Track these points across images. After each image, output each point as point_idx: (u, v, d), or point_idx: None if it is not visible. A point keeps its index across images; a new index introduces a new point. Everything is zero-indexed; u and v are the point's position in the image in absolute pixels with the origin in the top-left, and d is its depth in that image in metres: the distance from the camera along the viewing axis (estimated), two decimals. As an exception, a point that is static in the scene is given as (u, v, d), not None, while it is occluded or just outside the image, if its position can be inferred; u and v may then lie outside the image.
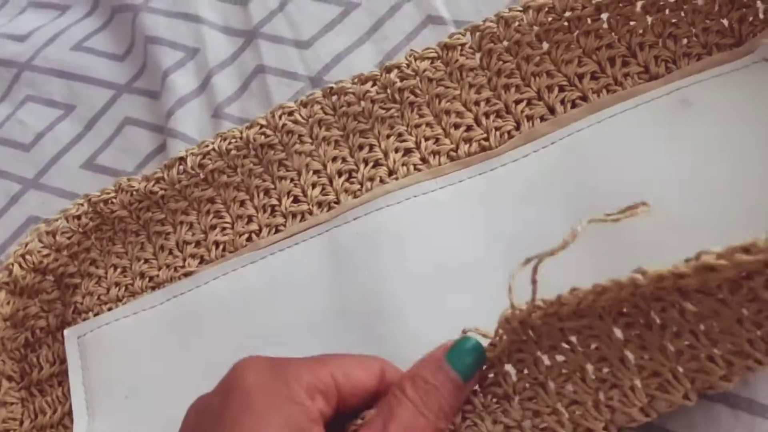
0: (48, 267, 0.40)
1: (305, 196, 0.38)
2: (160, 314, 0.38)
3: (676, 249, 0.29)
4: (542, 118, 0.35)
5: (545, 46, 0.36)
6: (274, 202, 0.38)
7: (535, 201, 0.34)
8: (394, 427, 0.26)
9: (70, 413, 0.37)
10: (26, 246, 0.40)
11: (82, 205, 0.40)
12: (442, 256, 0.34)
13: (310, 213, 0.38)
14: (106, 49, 0.50)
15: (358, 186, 0.37)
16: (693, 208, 0.31)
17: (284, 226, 0.38)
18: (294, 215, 0.38)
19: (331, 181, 0.38)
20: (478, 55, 0.37)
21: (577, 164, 0.34)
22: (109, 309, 0.39)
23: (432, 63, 0.37)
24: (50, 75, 0.51)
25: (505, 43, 0.37)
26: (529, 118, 0.36)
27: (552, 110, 0.35)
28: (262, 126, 0.39)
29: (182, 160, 0.39)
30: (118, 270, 0.40)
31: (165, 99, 0.46)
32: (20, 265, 0.39)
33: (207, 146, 0.39)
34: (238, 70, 0.45)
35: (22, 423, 0.38)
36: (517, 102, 0.36)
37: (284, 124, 0.38)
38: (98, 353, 0.38)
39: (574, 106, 0.35)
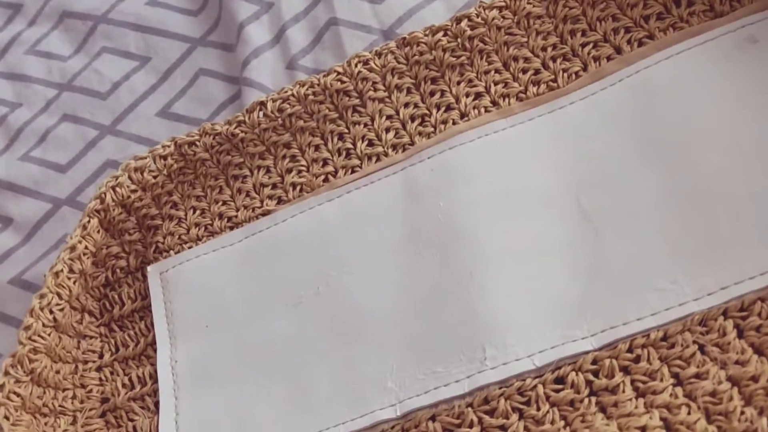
0: (133, 205, 0.42)
1: (379, 139, 0.40)
2: (240, 250, 0.40)
3: (746, 181, 0.32)
4: (609, 58, 0.37)
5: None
6: (349, 145, 0.40)
7: (603, 137, 0.35)
8: None
9: (152, 344, 0.40)
10: (117, 179, 0.42)
11: (168, 146, 0.43)
12: (513, 187, 0.36)
13: (386, 155, 0.40)
14: (181, 4, 0.52)
15: (432, 129, 0.39)
16: (758, 140, 0.32)
17: (360, 167, 0.40)
18: (369, 157, 0.40)
19: (404, 125, 0.40)
20: (544, 3, 0.39)
21: (644, 101, 0.35)
22: (190, 248, 0.41)
23: (500, 12, 0.39)
24: (126, 28, 0.53)
25: (572, -11, 0.38)
26: (596, 59, 0.37)
27: (619, 50, 0.37)
28: (338, 73, 0.41)
29: (263, 104, 0.41)
30: (198, 212, 0.42)
31: (240, 50, 0.48)
32: (111, 197, 0.42)
33: (286, 92, 0.41)
34: (311, 23, 0.47)
35: (102, 356, 0.41)
36: (584, 45, 0.38)
37: (359, 72, 0.41)
38: (180, 287, 0.41)
39: (640, 44, 0.37)
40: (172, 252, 0.42)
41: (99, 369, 0.40)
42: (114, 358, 0.40)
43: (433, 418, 0.32)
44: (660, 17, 0.37)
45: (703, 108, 0.34)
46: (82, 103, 0.51)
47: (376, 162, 0.40)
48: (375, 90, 0.41)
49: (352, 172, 0.40)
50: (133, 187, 0.42)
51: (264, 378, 0.37)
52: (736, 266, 0.30)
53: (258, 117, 0.41)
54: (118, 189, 0.42)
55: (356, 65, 0.41)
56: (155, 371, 0.39)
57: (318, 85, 0.41)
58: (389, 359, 0.34)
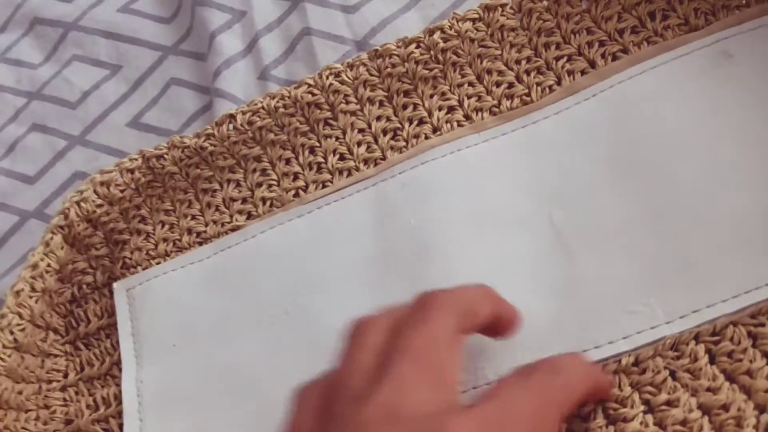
0: (99, 220, 0.42)
1: (351, 153, 0.39)
2: (208, 267, 0.40)
3: (719, 201, 0.31)
4: (583, 72, 0.36)
5: (584, 4, 0.37)
6: (320, 159, 0.40)
7: (576, 153, 0.35)
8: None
9: (118, 363, 0.39)
10: (82, 194, 0.41)
11: (135, 159, 0.42)
12: (485, 204, 0.35)
13: (357, 169, 0.39)
14: (153, 12, 0.52)
15: (404, 143, 0.39)
16: (733, 157, 0.32)
17: (331, 182, 0.39)
18: (341, 172, 0.39)
19: (376, 139, 0.39)
20: (518, 16, 0.38)
21: (618, 115, 0.35)
22: (158, 263, 0.41)
23: (474, 24, 0.39)
24: (97, 35, 0.52)
25: (545, 2, 0.38)
26: (570, 72, 0.37)
27: (593, 64, 0.36)
28: (309, 85, 0.40)
29: (232, 117, 0.41)
30: (166, 226, 0.41)
31: (212, 60, 0.47)
32: (76, 212, 0.41)
33: (256, 104, 0.40)
34: (284, 32, 0.46)
35: (66, 375, 0.40)
36: (558, 58, 0.37)
37: (331, 84, 0.40)
38: (147, 305, 0.40)
39: (614, 58, 0.36)
40: (139, 268, 0.41)
41: (63, 389, 0.39)
42: (79, 377, 0.39)
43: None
44: (634, 31, 0.36)
45: (677, 124, 0.33)
46: (51, 112, 0.51)
47: (347, 177, 0.39)
48: (347, 103, 0.40)
49: (323, 186, 0.39)
50: (99, 201, 0.41)
51: (232, 400, 0.36)
52: (709, 288, 0.30)
53: (227, 130, 0.41)
54: (83, 204, 0.41)
55: (328, 77, 0.40)
56: (121, 392, 0.38)
57: (289, 97, 0.40)
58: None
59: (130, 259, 0.41)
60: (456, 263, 0.34)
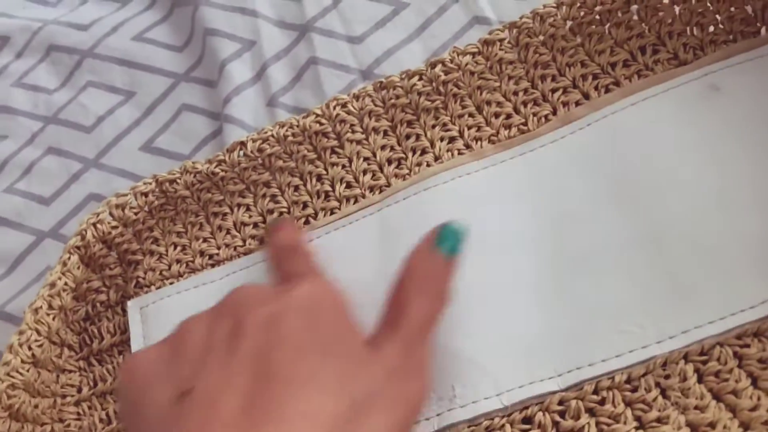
0: (114, 241, 0.43)
1: (357, 181, 0.41)
2: (221, 289, 0.39)
3: (707, 227, 0.33)
4: (577, 104, 0.38)
5: (579, 38, 0.39)
6: (328, 188, 0.41)
7: (572, 179, 0.36)
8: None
9: None
10: (98, 216, 0.43)
11: (149, 183, 0.43)
12: (485, 228, 0.36)
13: (363, 197, 0.40)
14: (166, 40, 0.54)
15: (407, 171, 0.40)
16: (719, 185, 0.33)
17: (339, 209, 0.41)
18: (347, 199, 0.41)
19: (381, 168, 0.41)
20: (516, 49, 0.40)
21: (612, 143, 0.36)
22: (171, 284, 0.42)
23: (473, 57, 0.40)
24: (112, 63, 0.54)
25: (541, 37, 0.40)
26: (565, 104, 0.38)
27: (587, 96, 0.38)
28: (317, 115, 0.42)
29: (243, 144, 0.42)
30: (179, 248, 0.43)
31: (222, 87, 0.49)
32: (92, 233, 0.42)
33: (266, 132, 0.42)
34: (291, 61, 0.49)
35: (80, 390, 0.41)
36: (554, 90, 0.39)
37: (337, 114, 0.42)
38: (160, 322, 0.41)
39: (607, 91, 0.38)
40: (152, 287, 0.42)
41: (77, 403, 0.41)
42: (92, 392, 0.41)
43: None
44: (626, 64, 0.38)
45: (667, 153, 0.35)
46: (66, 136, 0.52)
47: (354, 204, 0.40)
48: (353, 132, 0.42)
49: (331, 213, 0.41)
50: (114, 223, 0.43)
51: None
52: (697, 310, 0.31)
53: (238, 156, 0.42)
54: (98, 225, 0.43)
55: (335, 108, 0.42)
56: None
57: (297, 126, 0.42)
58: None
59: (144, 278, 0.42)
60: (457, 284, 0.35)
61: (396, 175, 0.40)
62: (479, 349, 0.34)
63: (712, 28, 0.37)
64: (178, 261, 0.43)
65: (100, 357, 0.42)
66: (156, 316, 0.41)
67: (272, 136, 0.42)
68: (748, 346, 0.30)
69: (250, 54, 0.50)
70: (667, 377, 0.31)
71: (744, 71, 0.35)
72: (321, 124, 0.42)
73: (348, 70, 0.47)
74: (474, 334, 0.34)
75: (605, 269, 0.34)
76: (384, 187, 0.40)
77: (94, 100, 0.53)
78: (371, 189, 0.40)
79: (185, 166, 0.43)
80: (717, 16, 0.37)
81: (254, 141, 0.42)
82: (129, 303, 0.42)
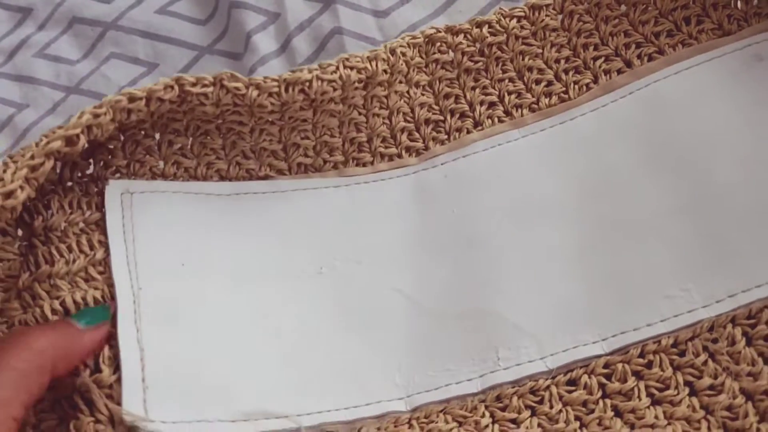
0: (129, 120, 0.34)
1: (394, 140, 0.39)
2: (230, 204, 0.37)
3: (751, 194, 0.33)
4: (619, 72, 0.38)
5: (623, 8, 0.39)
6: (363, 138, 0.39)
7: (613, 148, 0.36)
8: None
9: (95, 265, 0.33)
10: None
11: (171, 86, 0.34)
12: (525, 197, 0.36)
13: (399, 156, 0.39)
14: (190, 14, 0.53)
15: (445, 136, 0.39)
16: (763, 156, 0.33)
17: (371, 164, 0.39)
18: (382, 156, 0.39)
19: (418, 129, 0.39)
20: (560, 17, 0.40)
21: (653, 113, 0.36)
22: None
23: (519, 21, 0.40)
24: (135, 35, 0.53)
25: (586, 5, 0.39)
26: (607, 72, 0.38)
27: (629, 64, 0.38)
28: (382, 58, 0.38)
29: (309, 82, 0.36)
30: (176, 147, 0.37)
31: (247, 58, 0.48)
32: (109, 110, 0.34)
33: (334, 70, 0.36)
34: (315, 31, 0.48)
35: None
36: (595, 59, 0.39)
37: (395, 52, 0.38)
38: (148, 216, 0.35)
39: (650, 59, 0.37)
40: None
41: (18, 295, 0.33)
42: (34, 277, 0.33)
43: (444, 411, 0.32)
44: (670, 34, 0.38)
45: (711, 122, 0.35)
46: (89, 106, 0.51)
47: (388, 161, 0.39)
48: (399, 83, 0.39)
49: (364, 166, 0.39)
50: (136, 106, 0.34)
51: (246, 333, 0.34)
52: (744, 274, 0.31)
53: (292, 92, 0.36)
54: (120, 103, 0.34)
55: (392, 51, 0.38)
56: (102, 297, 0.33)
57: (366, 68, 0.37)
58: (397, 354, 0.34)
59: (142, 163, 0.36)
60: (499, 251, 0.35)
61: (434, 139, 0.39)
62: (522, 314, 0.33)
63: (756, 0, 0.37)
64: (176, 164, 0.37)
65: (45, 237, 0.34)
66: (144, 207, 0.35)
67: (341, 76, 0.36)
68: None
69: (274, 26, 0.49)
70: (714, 341, 0.30)
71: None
72: (385, 70, 0.38)
73: (373, 42, 0.46)
74: (517, 299, 0.34)
75: (648, 236, 0.33)
76: (422, 150, 0.39)
77: (116, 71, 0.52)
78: (408, 150, 0.39)
79: (222, 79, 0.35)
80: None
81: (321, 81, 0.36)
82: (110, 182, 0.35)
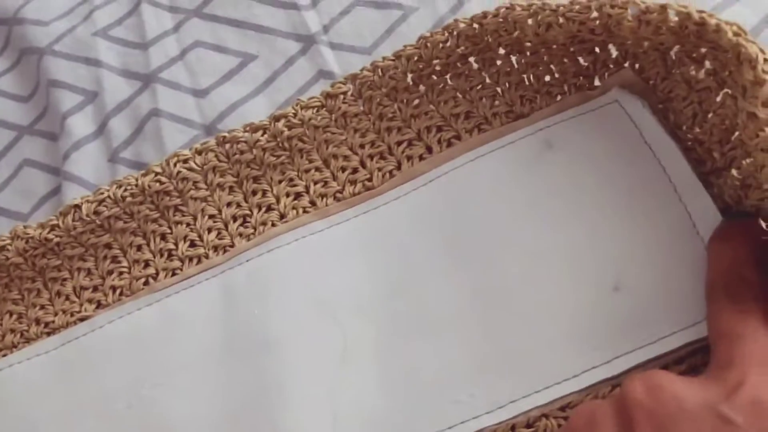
0: None
1: (201, 240, 0.39)
2: (55, 359, 0.38)
3: (533, 292, 0.32)
4: (421, 157, 0.37)
5: (422, 88, 0.38)
6: (171, 246, 0.39)
7: (414, 239, 0.35)
8: None
9: None
10: None
11: None
12: (325, 292, 0.35)
13: (206, 257, 0.38)
14: (13, 90, 0.51)
15: (252, 230, 0.38)
16: (551, 246, 0.33)
17: (181, 269, 0.39)
18: (191, 259, 0.39)
19: (226, 226, 0.39)
20: (360, 102, 0.39)
21: (451, 202, 0.35)
22: (4, 356, 0.39)
23: (317, 111, 0.39)
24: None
25: (384, 89, 0.38)
26: (409, 158, 0.38)
27: (430, 149, 0.37)
28: (156, 173, 0.40)
29: (77, 207, 0.40)
30: (14, 316, 0.40)
31: (62, 142, 0.46)
32: None
33: (102, 193, 0.40)
34: (134, 112, 0.46)
35: None
36: (399, 143, 0.38)
37: (179, 171, 0.39)
38: None
39: (449, 145, 0.37)
40: None
41: None
42: None
43: None
44: (467, 116, 0.37)
45: (503, 213, 0.34)
46: None
47: (197, 264, 0.38)
48: (197, 189, 0.40)
49: (173, 274, 0.39)
50: None
51: None
52: (525, 379, 0.30)
53: (73, 220, 0.40)
54: None
55: (175, 165, 0.40)
56: None
57: (136, 185, 0.39)
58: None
59: None
60: (293, 354, 0.34)
61: (240, 234, 0.38)
62: (310, 426, 0.32)
63: (548, 78, 0.36)
64: (12, 331, 0.40)
65: None
66: None
67: (109, 197, 0.39)
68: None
69: (92, 106, 0.47)
70: None
71: (573, 126, 0.34)
72: (161, 182, 0.39)
73: (191, 124, 0.45)
74: (306, 409, 0.33)
75: (444, 333, 0.33)
76: (228, 246, 0.38)
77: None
78: (215, 248, 0.39)
79: (15, 232, 0.40)
80: (551, 66, 0.36)
81: (90, 203, 0.40)
82: None
